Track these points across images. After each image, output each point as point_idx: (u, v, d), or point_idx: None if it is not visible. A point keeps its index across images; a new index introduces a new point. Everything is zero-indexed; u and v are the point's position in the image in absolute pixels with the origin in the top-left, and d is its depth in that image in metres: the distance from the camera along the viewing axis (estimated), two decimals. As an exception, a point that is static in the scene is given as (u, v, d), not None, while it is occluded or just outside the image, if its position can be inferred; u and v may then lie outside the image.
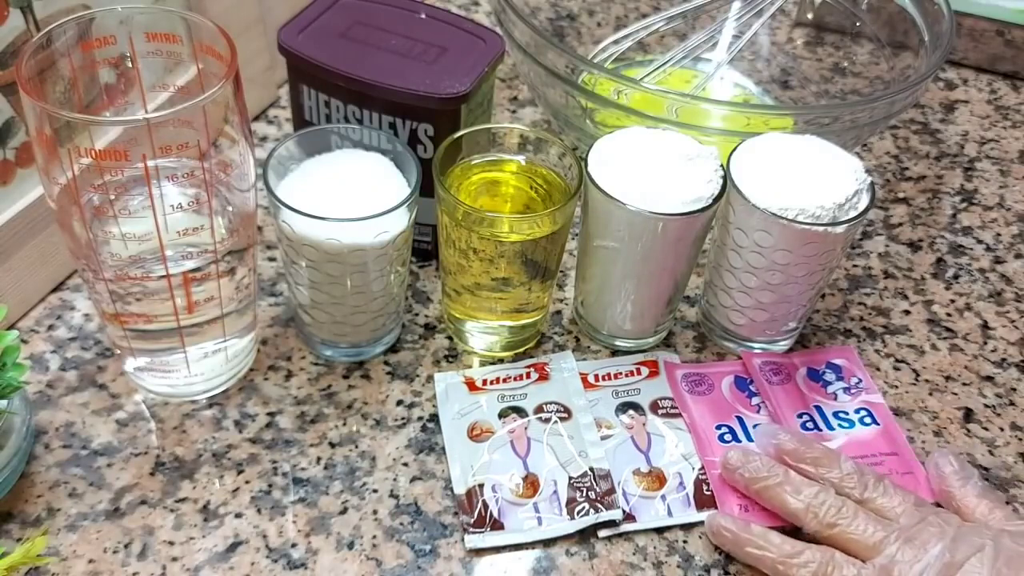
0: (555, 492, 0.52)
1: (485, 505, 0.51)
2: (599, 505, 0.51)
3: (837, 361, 0.61)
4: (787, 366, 0.60)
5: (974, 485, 0.51)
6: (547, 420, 0.55)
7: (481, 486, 0.52)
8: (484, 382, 0.57)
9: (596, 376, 0.58)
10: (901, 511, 0.49)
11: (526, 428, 0.55)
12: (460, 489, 0.52)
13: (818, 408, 0.58)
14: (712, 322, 0.62)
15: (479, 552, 0.50)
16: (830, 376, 0.60)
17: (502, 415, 0.56)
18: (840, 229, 0.53)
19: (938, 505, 0.52)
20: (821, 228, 0.52)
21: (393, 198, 0.51)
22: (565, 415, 0.56)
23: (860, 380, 0.60)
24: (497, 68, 0.60)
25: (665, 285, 0.57)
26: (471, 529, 0.50)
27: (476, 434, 0.55)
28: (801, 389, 0.59)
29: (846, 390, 0.59)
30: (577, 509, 0.51)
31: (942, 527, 0.48)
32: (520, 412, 0.56)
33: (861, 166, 0.55)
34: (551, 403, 0.56)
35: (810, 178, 0.54)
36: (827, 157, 0.55)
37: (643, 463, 0.54)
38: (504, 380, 0.57)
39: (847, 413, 0.58)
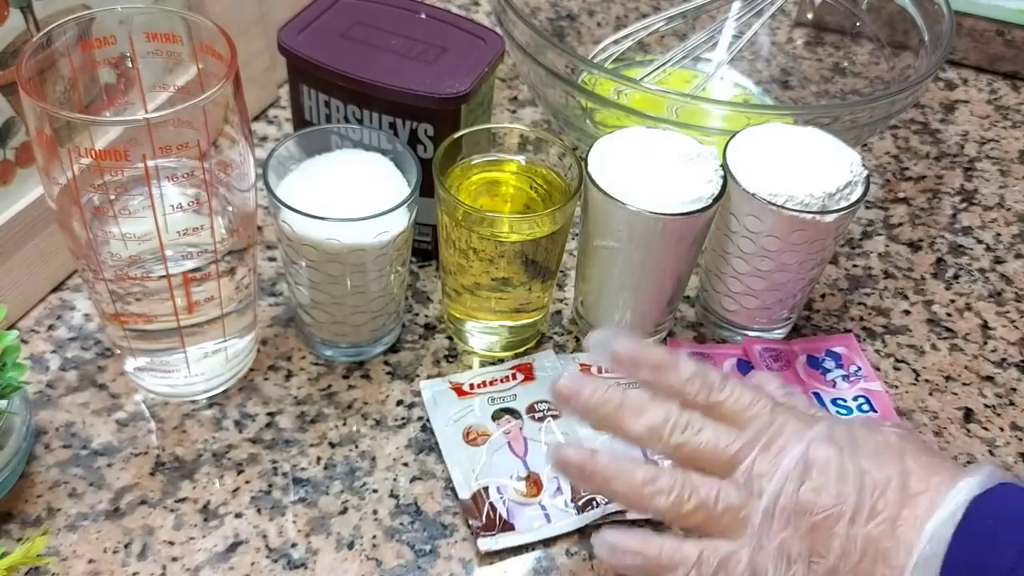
0: (558, 489, 0.52)
1: (493, 507, 0.51)
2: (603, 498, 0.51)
3: (837, 349, 0.61)
4: (787, 353, 0.60)
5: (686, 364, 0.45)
6: (541, 419, 0.55)
7: (486, 489, 0.52)
8: (472, 386, 0.57)
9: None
10: (754, 413, 0.44)
11: (521, 428, 0.55)
12: (464, 494, 0.52)
13: (817, 395, 0.58)
14: (708, 309, 0.62)
15: (491, 554, 0.50)
16: (829, 364, 0.60)
17: (495, 417, 0.55)
18: (829, 218, 0.53)
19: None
20: (809, 216, 0.52)
21: (393, 198, 0.51)
22: (557, 413, 0.56)
23: (859, 368, 0.60)
24: (497, 68, 0.60)
25: (665, 285, 0.57)
26: (482, 533, 0.50)
27: (472, 438, 0.54)
28: (800, 376, 0.59)
29: (845, 378, 0.59)
30: (583, 503, 0.51)
31: (799, 427, 0.43)
32: (513, 413, 0.56)
33: (859, 159, 0.55)
34: (542, 402, 0.56)
35: (804, 167, 0.54)
36: (825, 148, 0.55)
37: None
38: (491, 383, 0.57)
39: (845, 400, 0.58)
